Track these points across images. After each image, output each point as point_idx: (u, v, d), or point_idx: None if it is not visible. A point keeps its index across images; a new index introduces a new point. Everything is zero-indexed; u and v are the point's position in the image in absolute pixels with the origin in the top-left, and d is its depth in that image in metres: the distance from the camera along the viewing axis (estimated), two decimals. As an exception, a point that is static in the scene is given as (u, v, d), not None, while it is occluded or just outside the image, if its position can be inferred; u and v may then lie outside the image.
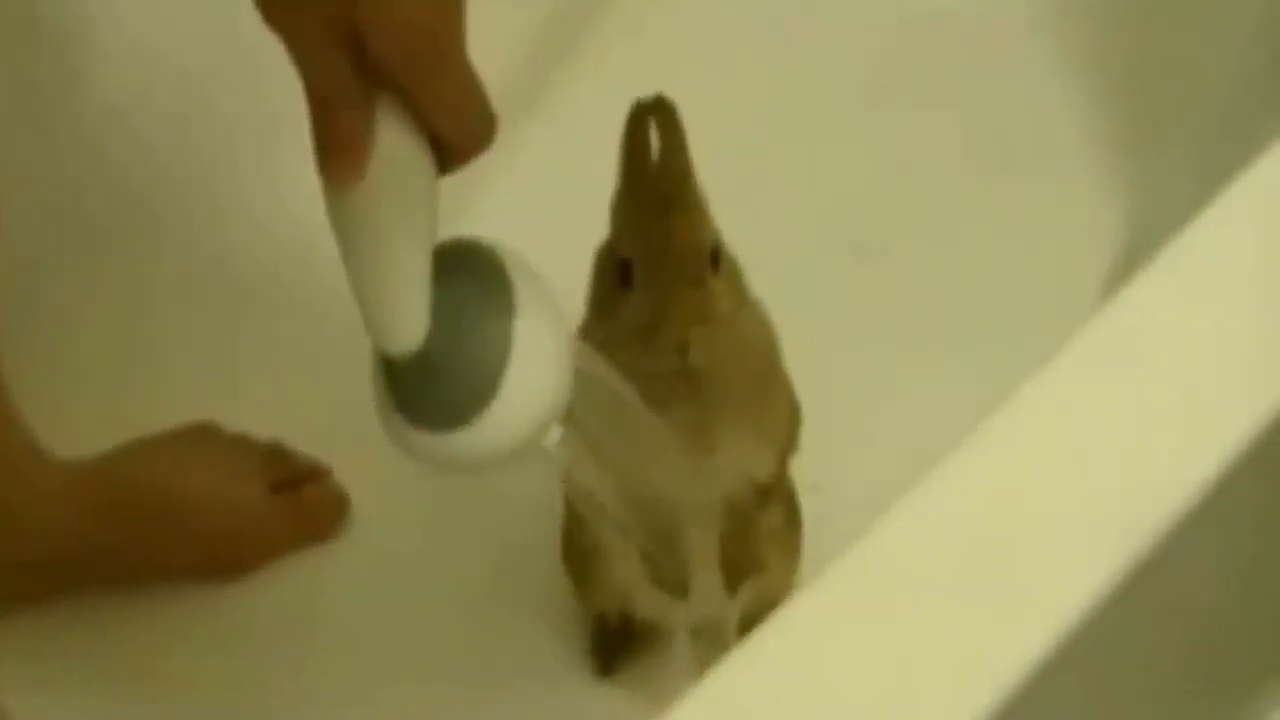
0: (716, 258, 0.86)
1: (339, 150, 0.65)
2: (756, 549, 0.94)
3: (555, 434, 0.71)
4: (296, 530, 1.06)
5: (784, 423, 0.92)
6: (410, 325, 0.66)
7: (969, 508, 0.63)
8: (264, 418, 1.09)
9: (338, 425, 1.09)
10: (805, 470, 0.96)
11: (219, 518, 1.04)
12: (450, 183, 0.69)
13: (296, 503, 1.06)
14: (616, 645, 1.03)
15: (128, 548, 1.04)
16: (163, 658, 1.05)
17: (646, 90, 0.84)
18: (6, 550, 1.02)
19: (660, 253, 0.84)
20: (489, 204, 1.05)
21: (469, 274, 0.68)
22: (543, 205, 1.13)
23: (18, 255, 1.04)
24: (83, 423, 1.08)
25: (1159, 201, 1.02)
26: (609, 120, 0.84)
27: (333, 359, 1.13)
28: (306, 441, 1.09)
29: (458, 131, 0.67)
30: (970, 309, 1.13)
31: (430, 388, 0.68)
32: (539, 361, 0.68)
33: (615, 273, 0.86)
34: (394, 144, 0.66)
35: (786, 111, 1.24)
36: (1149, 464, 0.64)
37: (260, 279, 1.15)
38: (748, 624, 0.97)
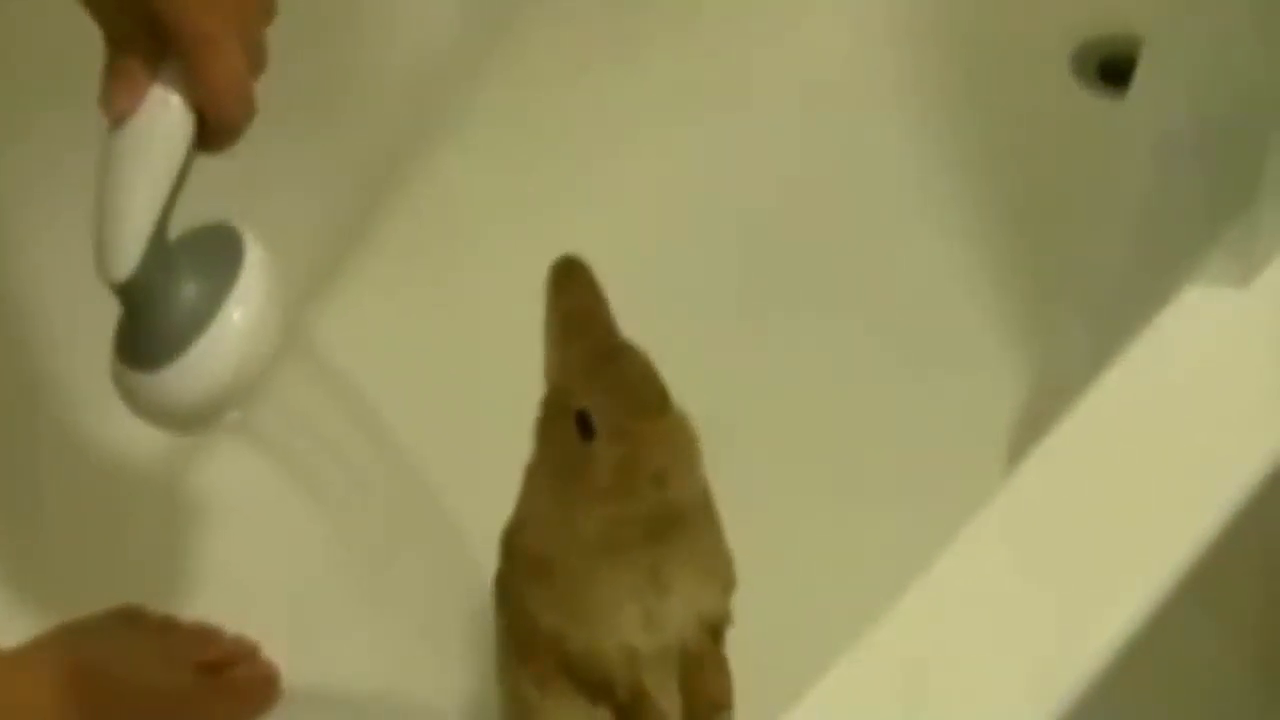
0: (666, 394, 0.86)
1: (118, 87, 0.74)
2: (717, 686, 0.93)
3: (235, 416, 0.78)
4: (227, 711, 1.06)
5: (726, 557, 0.92)
6: (123, 254, 0.74)
7: (891, 679, 0.64)
8: (185, 595, 1.10)
9: (261, 598, 1.10)
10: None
11: (150, 703, 1.04)
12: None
13: (226, 683, 1.05)
14: None
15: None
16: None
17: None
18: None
19: (617, 392, 0.85)
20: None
21: (211, 248, 0.77)
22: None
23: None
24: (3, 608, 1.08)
25: (1059, 358, 1.04)
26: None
27: (258, 530, 1.14)
28: (231, 616, 1.09)
29: (222, 111, 0.74)
30: (873, 470, 1.13)
31: (137, 325, 0.76)
32: (238, 331, 0.76)
33: (573, 429, 0.85)
34: (164, 99, 0.74)
35: (689, 279, 1.25)
36: (1061, 632, 0.66)
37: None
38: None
